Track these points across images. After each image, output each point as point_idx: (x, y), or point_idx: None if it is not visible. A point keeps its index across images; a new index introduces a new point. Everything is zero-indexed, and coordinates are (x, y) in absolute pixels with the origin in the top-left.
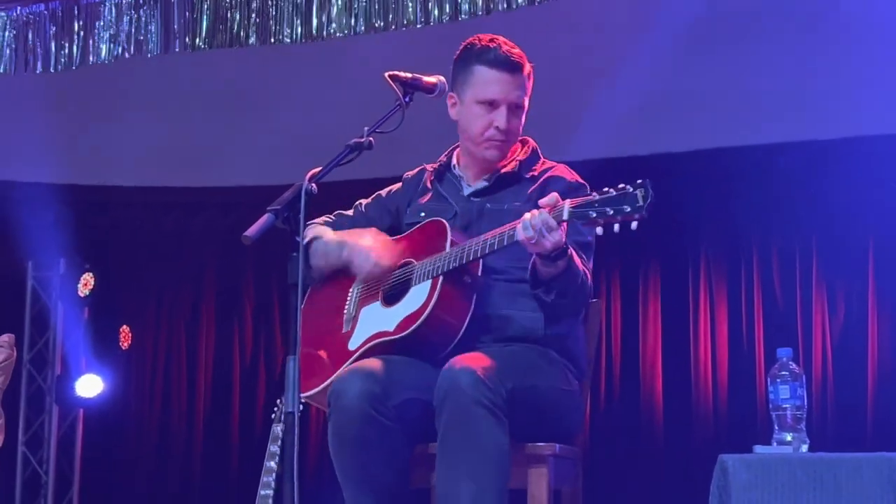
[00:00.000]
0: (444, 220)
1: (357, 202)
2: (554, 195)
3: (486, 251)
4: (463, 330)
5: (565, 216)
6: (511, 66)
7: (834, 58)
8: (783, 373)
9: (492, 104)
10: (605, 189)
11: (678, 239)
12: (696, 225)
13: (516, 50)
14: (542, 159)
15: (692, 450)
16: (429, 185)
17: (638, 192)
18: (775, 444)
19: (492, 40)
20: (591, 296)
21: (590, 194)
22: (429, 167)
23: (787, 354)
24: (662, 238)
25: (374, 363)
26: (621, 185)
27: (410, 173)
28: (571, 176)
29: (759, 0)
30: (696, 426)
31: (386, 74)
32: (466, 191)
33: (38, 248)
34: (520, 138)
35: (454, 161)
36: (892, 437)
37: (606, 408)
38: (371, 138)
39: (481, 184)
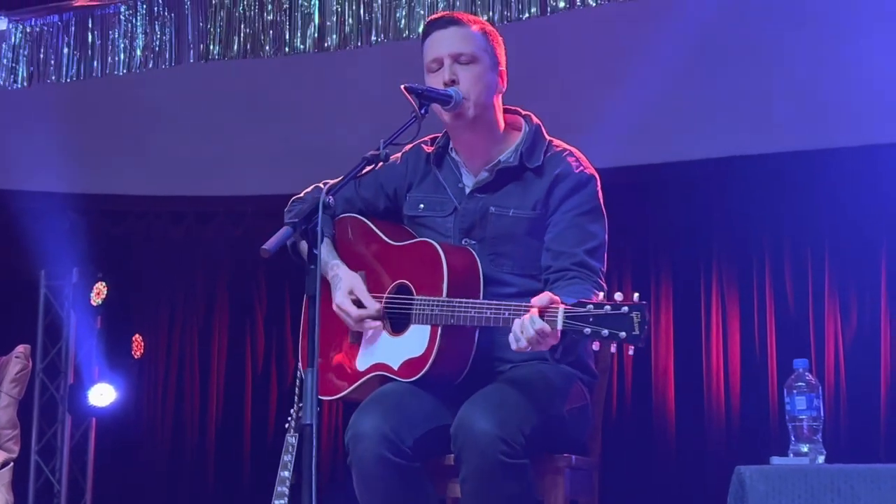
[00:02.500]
0: (438, 249)
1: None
2: (547, 296)
3: (482, 324)
4: (467, 369)
5: (559, 326)
6: (445, 22)
7: (847, 67)
8: (799, 384)
9: (437, 63)
10: (602, 300)
11: (690, 248)
12: (708, 234)
13: (460, 14)
14: (547, 141)
15: (706, 459)
16: (428, 165)
17: (634, 314)
18: (792, 455)
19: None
20: None
21: (586, 304)
22: (426, 147)
23: (804, 365)
24: (674, 247)
25: (384, 399)
26: (619, 299)
27: (408, 148)
28: (577, 166)
29: (770, 9)
30: (710, 436)
31: (402, 86)
32: (466, 181)
33: (51, 258)
34: (523, 113)
35: (451, 146)
36: None
37: (619, 417)
38: (387, 150)
39: (482, 176)
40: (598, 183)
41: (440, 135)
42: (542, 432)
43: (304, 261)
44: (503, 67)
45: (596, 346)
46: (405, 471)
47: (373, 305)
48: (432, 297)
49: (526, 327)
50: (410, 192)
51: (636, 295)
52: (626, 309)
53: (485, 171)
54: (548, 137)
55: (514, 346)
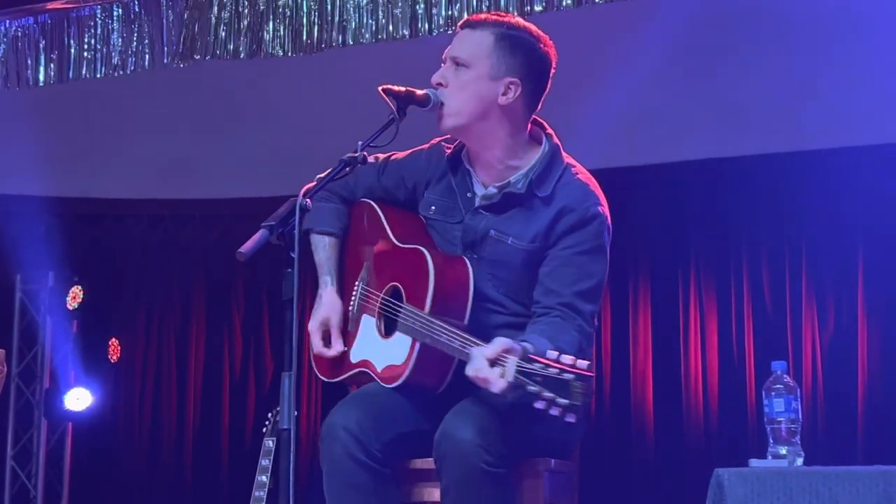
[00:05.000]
0: (429, 261)
1: (375, 161)
2: (504, 342)
3: (450, 353)
4: (447, 382)
5: (510, 378)
6: (465, 24)
7: (823, 70)
8: (777, 386)
9: (443, 61)
10: (556, 358)
11: (668, 250)
12: (686, 236)
13: (485, 16)
14: (563, 166)
15: (684, 462)
16: (445, 168)
17: (577, 385)
18: (770, 457)
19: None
20: (590, 358)
21: (539, 361)
22: (446, 146)
23: (782, 368)
24: (652, 249)
25: (360, 398)
26: (567, 362)
27: (426, 147)
28: (586, 203)
29: (748, 13)
30: (688, 438)
31: (380, 88)
32: (477, 190)
33: (27, 262)
34: (547, 131)
35: (465, 154)
36: (883, 449)
37: (597, 420)
38: (365, 153)
39: (490, 192)
40: (607, 221)
41: (454, 148)
42: (523, 443)
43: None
44: (513, 79)
45: (540, 405)
46: (373, 472)
47: (337, 348)
48: (416, 311)
49: (477, 368)
50: (427, 191)
51: (586, 363)
52: (570, 377)
53: (494, 187)
54: (566, 161)
55: (467, 372)
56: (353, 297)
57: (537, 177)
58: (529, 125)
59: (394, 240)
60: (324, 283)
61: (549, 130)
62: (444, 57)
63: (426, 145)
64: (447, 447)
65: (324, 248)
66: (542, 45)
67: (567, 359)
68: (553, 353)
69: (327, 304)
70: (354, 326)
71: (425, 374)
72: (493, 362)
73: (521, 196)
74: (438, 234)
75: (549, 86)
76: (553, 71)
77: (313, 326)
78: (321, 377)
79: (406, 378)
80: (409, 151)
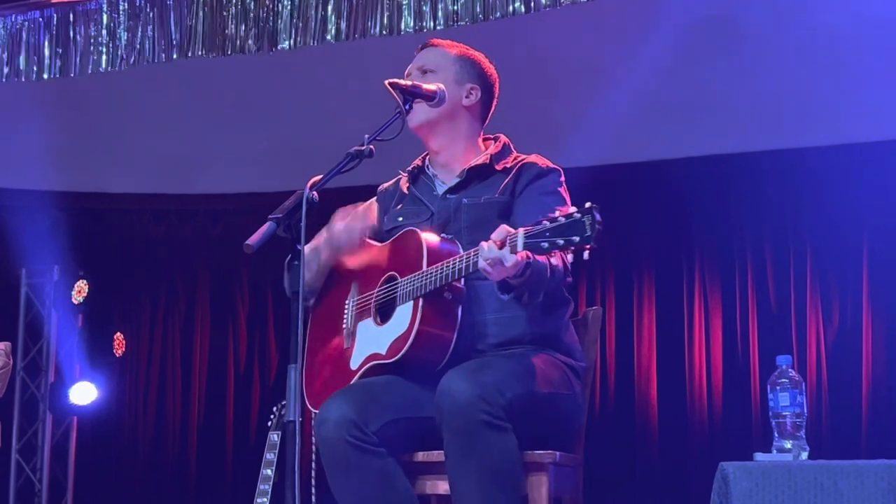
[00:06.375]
0: (416, 230)
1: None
2: (503, 229)
3: (457, 276)
4: (453, 343)
5: (520, 247)
6: (423, 46)
7: (828, 66)
8: (783, 380)
9: (407, 76)
10: (556, 215)
11: (673, 246)
12: (691, 232)
13: (440, 41)
14: (515, 153)
15: (689, 456)
16: (405, 190)
17: (585, 218)
18: (775, 451)
19: None
20: (568, 273)
21: (542, 222)
22: (403, 174)
23: (787, 362)
24: (657, 245)
25: (356, 388)
26: (573, 209)
27: (385, 185)
28: (543, 162)
29: (753, 9)
30: (692, 432)
31: (386, 82)
32: (440, 189)
33: (32, 256)
34: (493, 136)
35: (427, 163)
36: (887, 444)
37: (602, 414)
38: (371, 146)
39: (454, 180)
40: (562, 177)
41: (413, 165)
42: (523, 402)
43: None
44: (473, 86)
45: (556, 258)
46: (368, 452)
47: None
48: (414, 274)
49: (490, 248)
50: (388, 214)
51: (587, 204)
52: (577, 215)
53: (456, 175)
54: (515, 152)
55: (481, 265)
56: (345, 316)
57: (496, 154)
58: (482, 135)
59: (378, 244)
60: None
61: (498, 135)
62: (406, 73)
63: (385, 185)
64: (445, 402)
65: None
66: (490, 67)
67: (562, 209)
68: (556, 212)
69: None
70: (351, 340)
71: (430, 337)
72: (502, 244)
73: (482, 167)
74: None
75: (495, 104)
76: (497, 91)
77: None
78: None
79: (413, 340)
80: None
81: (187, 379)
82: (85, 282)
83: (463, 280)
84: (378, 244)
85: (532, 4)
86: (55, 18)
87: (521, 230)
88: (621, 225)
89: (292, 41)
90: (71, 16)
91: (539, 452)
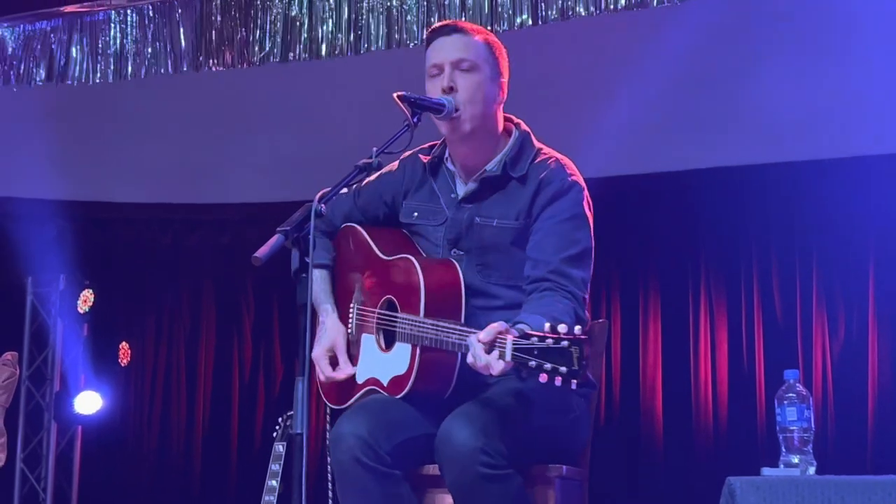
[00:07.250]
0: (416, 265)
1: (353, 187)
2: (498, 325)
3: (450, 348)
4: (452, 385)
5: (508, 357)
6: (449, 30)
7: (837, 79)
8: (790, 394)
9: (437, 69)
10: (546, 331)
11: (678, 258)
12: (697, 244)
13: (465, 23)
14: (535, 149)
15: (695, 470)
16: (424, 174)
17: (573, 349)
18: (782, 466)
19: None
20: (586, 322)
21: (531, 336)
22: (423, 156)
23: (794, 376)
24: (663, 257)
25: (369, 406)
26: (563, 331)
27: (406, 155)
28: (562, 174)
29: (763, 21)
30: (698, 446)
31: (395, 95)
32: (459, 190)
33: (38, 265)
34: (515, 121)
35: (447, 156)
36: (893, 458)
37: (607, 428)
38: (380, 159)
39: (471, 186)
40: (585, 191)
41: (437, 143)
42: (526, 442)
43: None
44: (504, 79)
45: (543, 378)
46: (382, 475)
47: (346, 370)
48: (411, 317)
49: (477, 355)
50: (406, 200)
51: (577, 328)
52: (566, 343)
53: (472, 181)
54: (537, 145)
55: (468, 360)
56: (349, 320)
57: (511, 159)
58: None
59: (381, 255)
60: (325, 310)
61: (517, 121)
62: (436, 63)
63: (396, 162)
64: (445, 451)
65: (318, 281)
66: (503, 48)
67: (562, 327)
68: (547, 325)
69: (331, 328)
70: (356, 348)
71: (429, 379)
72: (491, 346)
73: (497, 178)
74: (423, 238)
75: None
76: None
77: (318, 353)
78: (331, 405)
79: (411, 385)
80: (381, 171)
81: (192, 388)
82: (91, 291)
83: (463, 315)
84: (382, 256)
85: (540, 17)
86: (63, 28)
87: (509, 338)
88: (627, 237)
89: (298, 54)
90: (79, 26)
91: (546, 466)
